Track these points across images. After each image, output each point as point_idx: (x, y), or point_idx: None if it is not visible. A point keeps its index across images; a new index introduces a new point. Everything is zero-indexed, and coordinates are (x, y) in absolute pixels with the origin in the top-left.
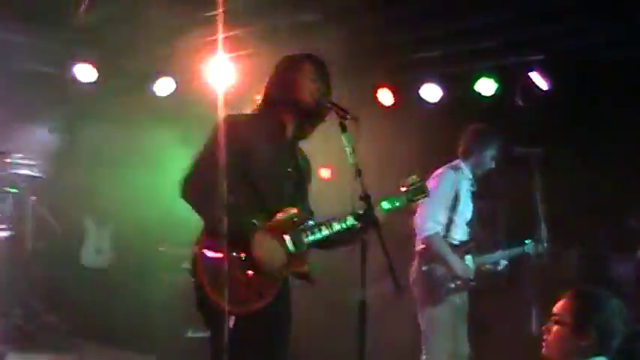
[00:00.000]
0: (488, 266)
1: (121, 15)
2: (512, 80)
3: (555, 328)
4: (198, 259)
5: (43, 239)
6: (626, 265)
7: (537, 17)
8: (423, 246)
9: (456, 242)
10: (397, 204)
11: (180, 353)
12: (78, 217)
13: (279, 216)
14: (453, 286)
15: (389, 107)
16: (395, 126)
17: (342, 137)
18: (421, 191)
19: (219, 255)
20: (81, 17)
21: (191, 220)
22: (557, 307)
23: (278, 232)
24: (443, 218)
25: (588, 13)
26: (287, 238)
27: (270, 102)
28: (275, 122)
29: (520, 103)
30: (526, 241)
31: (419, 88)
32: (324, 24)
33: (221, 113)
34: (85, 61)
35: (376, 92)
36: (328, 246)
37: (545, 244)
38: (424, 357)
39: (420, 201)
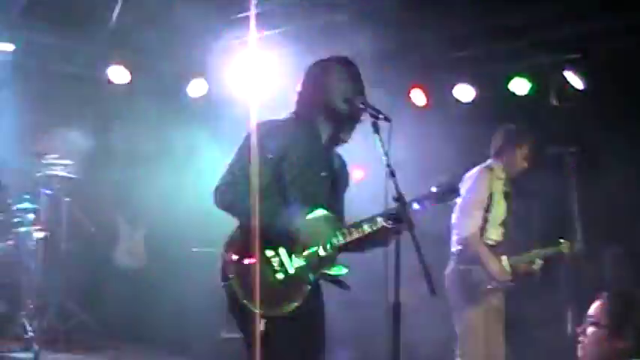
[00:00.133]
0: (523, 266)
1: (153, 17)
2: (546, 79)
3: (591, 330)
4: (227, 262)
5: (78, 240)
6: None
7: (572, 16)
8: (459, 247)
9: (491, 242)
10: (428, 205)
11: (214, 354)
12: (112, 218)
13: (310, 218)
14: (490, 287)
15: (422, 107)
16: (428, 126)
17: (375, 138)
18: (453, 192)
19: (248, 257)
20: (114, 20)
21: (224, 220)
22: (593, 309)
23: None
24: (479, 218)
25: (623, 11)
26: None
27: (303, 107)
28: (308, 127)
29: (554, 102)
30: (560, 241)
31: (452, 88)
32: (356, 24)
33: (253, 115)
34: (118, 62)
35: (409, 92)
36: (360, 248)
37: (581, 244)
38: (458, 358)
39: (451, 201)
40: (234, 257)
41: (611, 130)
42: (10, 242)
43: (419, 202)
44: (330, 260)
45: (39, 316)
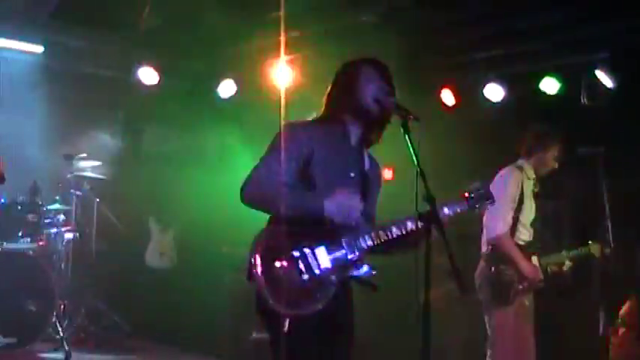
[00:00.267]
0: (552, 267)
1: (183, 18)
2: (576, 79)
3: (622, 330)
4: (253, 262)
5: (108, 240)
6: None
7: (602, 14)
8: (490, 247)
9: (521, 243)
10: (458, 210)
11: (243, 354)
12: (142, 219)
13: (337, 220)
14: (521, 287)
15: (452, 107)
16: (458, 126)
17: (405, 138)
18: (485, 198)
19: (274, 257)
20: (144, 21)
21: (254, 220)
22: (624, 310)
23: (336, 237)
24: (510, 219)
25: None
26: (344, 244)
27: (332, 108)
28: (337, 128)
29: (585, 102)
30: (589, 242)
31: (482, 88)
32: (385, 24)
33: (283, 115)
34: (148, 63)
35: (439, 93)
36: (389, 251)
37: (612, 245)
38: (489, 359)
39: (484, 209)
40: (261, 257)
41: None
42: (41, 243)
43: (450, 206)
44: (357, 262)
45: (69, 316)
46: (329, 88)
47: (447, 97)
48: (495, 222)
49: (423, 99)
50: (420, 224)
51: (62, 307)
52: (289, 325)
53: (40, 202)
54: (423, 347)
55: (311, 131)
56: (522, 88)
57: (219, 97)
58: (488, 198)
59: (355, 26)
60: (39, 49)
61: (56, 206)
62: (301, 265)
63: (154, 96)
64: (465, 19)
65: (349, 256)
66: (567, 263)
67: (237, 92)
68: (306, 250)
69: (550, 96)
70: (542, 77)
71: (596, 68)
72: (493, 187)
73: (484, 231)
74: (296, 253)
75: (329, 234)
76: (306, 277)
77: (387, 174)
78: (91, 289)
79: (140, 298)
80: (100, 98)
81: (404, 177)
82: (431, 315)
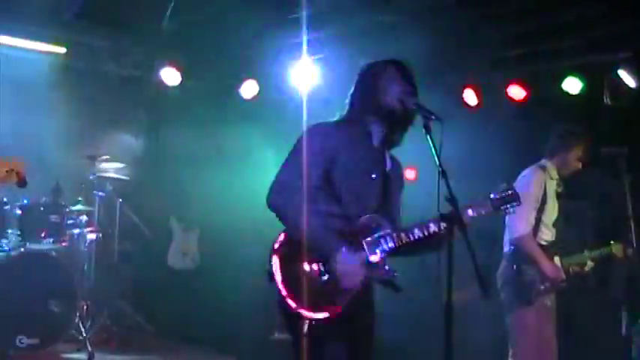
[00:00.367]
0: (574, 267)
1: (205, 19)
2: (599, 78)
3: None
4: (274, 263)
5: (131, 241)
6: None
7: (625, 13)
8: (512, 247)
9: (543, 243)
10: (483, 212)
11: (266, 355)
12: (165, 219)
13: (359, 223)
14: (543, 287)
15: (474, 107)
16: (480, 126)
17: (427, 138)
18: (512, 200)
19: (295, 259)
20: (166, 22)
21: (276, 221)
22: None
23: (357, 239)
24: (532, 219)
25: None
26: (365, 246)
27: (355, 108)
28: (360, 129)
29: (608, 101)
30: (612, 242)
31: (505, 88)
32: (408, 25)
33: (305, 115)
34: (170, 64)
35: (462, 93)
36: (411, 253)
37: (634, 245)
38: (511, 359)
39: (510, 212)
40: (281, 259)
41: None
42: (64, 244)
43: (474, 208)
44: (379, 264)
45: (92, 317)
46: (352, 88)
47: (470, 97)
48: (518, 222)
49: (446, 99)
50: (442, 225)
51: (85, 307)
52: (309, 326)
53: (63, 203)
54: (446, 347)
55: (334, 134)
56: (545, 87)
57: (242, 97)
58: (515, 200)
59: (377, 27)
60: (61, 49)
61: (79, 207)
62: (321, 267)
63: (177, 96)
64: (488, 20)
65: (370, 258)
66: (589, 263)
67: (259, 92)
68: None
69: (572, 96)
70: (565, 77)
71: (618, 68)
72: (516, 187)
73: (506, 231)
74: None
75: (350, 236)
76: (325, 278)
77: (410, 175)
78: (113, 290)
79: (163, 298)
80: (122, 99)
81: (427, 178)
82: (454, 315)
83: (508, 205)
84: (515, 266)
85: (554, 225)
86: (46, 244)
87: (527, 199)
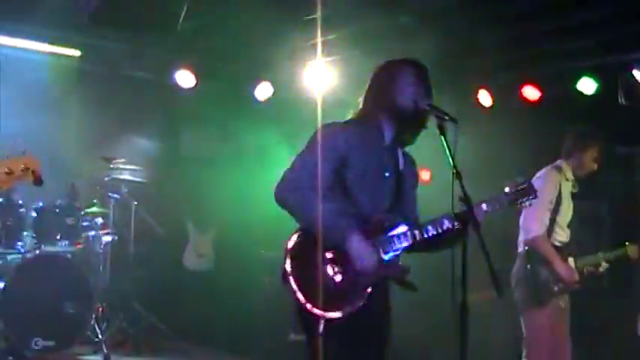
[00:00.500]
0: (589, 268)
1: (219, 21)
2: (613, 79)
3: None
4: (288, 263)
5: (146, 243)
6: None
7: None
8: (526, 247)
9: (557, 244)
10: (497, 206)
11: (282, 356)
12: (180, 221)
13: (373, 223)
14: (556, 288)
15: (488, 108)
16: (495, 127)
17: (442, 139)
18: (528, 193)
19: (309, 259)
20: (181, 24)
21: (292, 222)
22: None
23: (371, 238)
24: (547, 219)
25: None
26: (379, 245)
27: (368, 107)
28: (372, 128)
29: (622, 102)
30: (627, 243)
31: (519, 89)
32: (421, 25)
33: (319, 116)
34: (185, 66)
35: (476, 94)
36: (425, 249)
37: None
38: (525, 359)
39: (526, 205)
40: (294, 259)
41: None
42: (80, 246)
43: (488, 203)
44: (393, 263)
45: (108, 319)
46: (366, 86)
47: (484, 98)
48: (532, 223)
49: (460, 100)
50: (456, 224)
51: (100, 309)
52: (324, 326)
53: (78, 206)
54: (461, 347)
55: (347, 134)
56: (559, 88)
57: (257, 99)
58: (531, 194)
59: (392, 28)
60: (76, 52)
61: (94, 209)
62: (335, 267)
63: (192, 99)
64: (501, 20)
65: (384, 257)
66: (603, 264)
67: (274, 94)
68: (340, 252)
69: (587, 96)
70: (579, 77)
71: (633, 68)
72: None
73: (521, 231)
74: (329, 255)
75: (363, 234)
76: (339, 278)
77: (425, 176)
78: (129, 292)
79: (178, 300)
80: (137, 101)
81: (442, 179)
82: (469, 315)
83: (524, 199)
84: (529, 267)
85: (568, 226)
86: (62, 247)
87: (542, 201)
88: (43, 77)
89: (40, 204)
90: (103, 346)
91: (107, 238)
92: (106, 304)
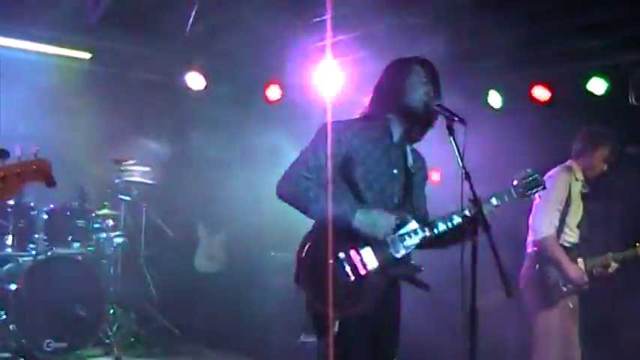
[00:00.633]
0: (598, 269)
1: (229, 23)
2: (624, 79)
3: None
4: (300, 264)
5: (157, 245)
6: None
7: None
8: (535, 248)
9: (567, 245)
10: (506, 199)
11: (293, 357)
12: (191, 223)
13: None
14: (565, 289)
15: (498, 109)
16: (504, 128)
17: (451, 140)
18: (536, 184)
19: (321, 259)
20: (190, 26)
21: (303, 224)
22: None
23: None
24: (556, 220)
25: None
26: (390, 243)
27: (377, 105)
28: (380, 126)
29: (633, 101)
30: (637, 244)
31: (528, 90)
32: (431, 26)
33: (329, 117)
34: (195, 69)
35: (486, 94)
36: (434, 246)
37: None
38: None
39: (535, 194)
40: (307, 260)
41: None
42: (91, 248)
43: (498, 196)
44: (404, 261)
45: (119, 321)
46: (375, 83)
47: (494, 98)
48: (541, 224)
49: (469, 101)
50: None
51: (112, 311)
52: (339, 326)
53: (89, 208)
54: (470, 348)
55: (352, 130)
56: (569, 88)
57: (267, 100)
58: (539, 185)
59: (402, 28)
60: (86, 55)
61: (105, 211)
62: (347, 267)
63: (202, 101)
64: (512, 21)
65: (396, 255)
66: (613, 265)
67: (284, 95)
68: (352, 252)
69: (597, 96)
70: (590, 77)
71: None
72: None
73: (530, 232)
74: (341, 255)
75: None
76: (352, 278)
77: (435, 177)
78: (140, 294)
79: (189, 302)
80: (147, 104)
81: (451, 180)
82: (479, 316)
83: (533, 191)
84: (538, 267)
85: (578, 226)
86: (73, 248)
87: (551, 201)
88: (53, 80)
89: (51, 206)
90: (114, 347)
91: (118, 240)
92: (117, 305)
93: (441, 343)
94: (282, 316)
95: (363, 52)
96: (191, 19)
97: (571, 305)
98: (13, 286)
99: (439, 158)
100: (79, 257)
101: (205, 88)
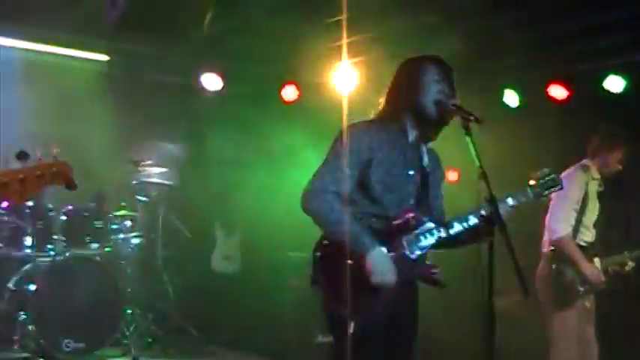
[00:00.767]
0: (614, 267)
1: (245, 24)
2: None
3: None
4: (316, 265)
5: (174, 246)
6: None
7: None
8: (551, 247)
9: (583, 244)
10: (523, 199)
11: (309, 358)
12: (208, 223)
13: (398, 221)
14: (582, 289)
15: (515, 108)
16: (521, 127)
17: (467, 139)
18: (553, 184)
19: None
20: (206, 28)
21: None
22: None
23: (397, 237)
24: (572, 219)
25: None
26: (405, 243)
27: (392, 105)
28: (395, 126)
29: None
30: None
31: (545, 88)
32: (447, 25)
33: (346, 118)
34: (211, 70)
35: (502, 93)
36: (450, 245)
37: None
38: None
39: (552, 194)
40: (323, 261)
41: None
42: (108, 249)
43: (514, 197)
44: (420, 261)
45: (137, 321)
46: (390, 83)
47: (510, 97)
48: (557, 223)
49: (486, 100)
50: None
51: (129, 312)
52: (353, 327)
53: (107, 209)
54: (488, 348)
55: (370, 134)
56: (587, 87)
57: (283, 100)
58: (556, 184)
59: (417, 28)
60: (104, 57)
61: (122, 212)
62: (363, 267)
63: (218, 101)
64: (527, 19)
65: (411, 255)
66: (630, 264)
67: (300, 95)
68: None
69: (615, 94)
70: (607, 76)
71: None
72: None
73: (546, 231)
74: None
75: (389, 234)
76: (368, 279)
77: (452, 176)
78: (157, 294)
79: (207, 302)
80: (164, 105)
81: (469, 179)
82: (496, 316)
83: (549, 191)
84: (554, 267)
85: (594, 226)
86: (91, 249)
87: (568, 201)
88: (71, 82)
89: (69, 207)
90: (132, 348)
91: (135, 241)
92: (135, 306)
93: (458, 344)
94: (298, 316)
95: (378, 52)
96: (207, 20)
97: (587, 305)
98: (32, 287)
99: (458, 159)
100: (97, 258)
101: (222, 89)
